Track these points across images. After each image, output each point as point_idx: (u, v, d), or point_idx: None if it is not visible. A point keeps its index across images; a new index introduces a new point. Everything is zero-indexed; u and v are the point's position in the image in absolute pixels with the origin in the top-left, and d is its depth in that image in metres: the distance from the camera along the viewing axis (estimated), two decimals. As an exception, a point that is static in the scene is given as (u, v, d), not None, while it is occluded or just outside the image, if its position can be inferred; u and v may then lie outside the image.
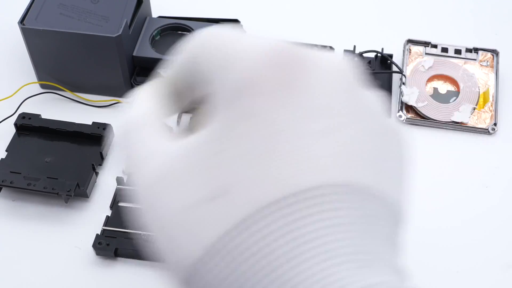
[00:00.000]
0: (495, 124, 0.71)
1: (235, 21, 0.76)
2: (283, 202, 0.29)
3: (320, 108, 0.31)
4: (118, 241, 0.61)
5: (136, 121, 0.35)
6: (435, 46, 0.77)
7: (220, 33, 0.35)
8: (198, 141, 0.32)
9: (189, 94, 0.36)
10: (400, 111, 0.72)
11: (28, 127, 0.69)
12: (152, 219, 0.32)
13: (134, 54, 0.72)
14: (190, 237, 0.30)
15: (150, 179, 0.32)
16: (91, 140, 0.68)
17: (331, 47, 0.78)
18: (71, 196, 0.62)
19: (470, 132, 0.71)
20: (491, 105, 0.72)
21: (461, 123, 0.71)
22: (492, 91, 0.73)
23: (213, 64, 0.33)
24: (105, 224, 0.62)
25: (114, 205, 0.64)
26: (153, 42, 0.74)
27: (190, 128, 0.38)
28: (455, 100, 0.73)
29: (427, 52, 0.77)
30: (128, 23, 0.69)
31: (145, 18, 0.75)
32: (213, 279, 0.30)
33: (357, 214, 0.30)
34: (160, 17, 0.77)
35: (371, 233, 0.30)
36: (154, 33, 0.74)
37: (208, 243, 0.30)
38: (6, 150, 0.68)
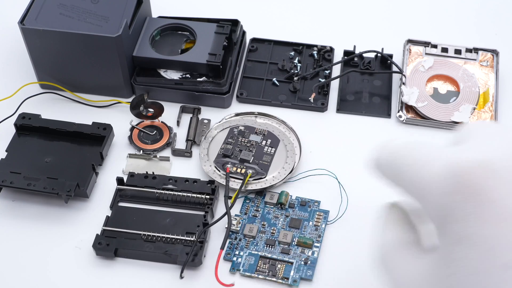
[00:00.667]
0: (495, 124, 0.71)
1: (235, 21, 0.76)
2: None
3: None
4: (118, 241, 0.61)
5: (391, 245, 0.44)
6: (435, 46, 0.77)
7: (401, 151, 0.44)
8: (431, 265, 0.39)
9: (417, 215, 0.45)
10: (400, 111, 0.72)
11: (28, 127, 0.69)
12: None
13: (134, 54, 0.72)
14: None
15: None
16: (91, 140, 0.68)
17: (331, 47, 0.78)
18: (71, 196, 0.62)
19: (470, 132, 0.71)
20: (491, 105, 0.72)
21: (461, 123, 0.71)
22: (492, 91, 0.73)
23: (410, 185, 0.42)
24: (105, 224, 0.62)
25: (114, 205, 0.64)
26: (153, 42, 0.74)
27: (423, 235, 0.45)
28: (455, 100, 0.73)
29: (427, 52, 0.77)
30: (128, 23, 0.69)
31: (145, 18, 0.75)
32: None
33: None
34: (160, 17, 0.77)
35: None
36: (154, 33, 0.74)
37: None
38: (6, 150, 0.68)
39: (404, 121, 0.71)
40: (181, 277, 0.59)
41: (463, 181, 0.38)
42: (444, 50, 0.77)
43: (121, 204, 0.65)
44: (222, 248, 0.59)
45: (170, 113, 0.72)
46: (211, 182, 0.65)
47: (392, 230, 0.46)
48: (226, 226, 0.61)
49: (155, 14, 0.78)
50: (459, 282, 0.37)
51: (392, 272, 0.43)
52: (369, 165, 0.51)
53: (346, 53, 0.77)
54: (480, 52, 0.76)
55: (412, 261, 0.42)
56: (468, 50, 0.76)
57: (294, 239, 0.62)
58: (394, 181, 0.46)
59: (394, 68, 0.76)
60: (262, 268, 0.60)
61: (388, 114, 0.73)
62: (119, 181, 0.65)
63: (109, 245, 0.60)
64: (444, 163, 0.40)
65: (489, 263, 0.37)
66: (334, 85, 0.75)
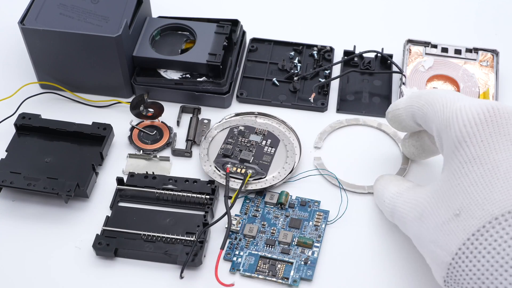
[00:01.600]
0: (495, 124, 0.71)
1: (235, 21, 0.76)
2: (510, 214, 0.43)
3: None
4: (118, 241, 0.61)
5: (397, 193, 0.57)
6: (435, 46, 0.77)
7: (441, 95, 0.52)
8: (440, 185, 0.49)
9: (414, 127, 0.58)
10: (400, 111, 0.72)
11: (28, 127, 0.69)
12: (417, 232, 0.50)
13: (134, 54, 0.72)
14: (447, 240, 0.47)
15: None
16: (91, 140, 0.68)
17: (331, 47, 0.78)
18: (71, 196, 0.62)
19: (470, 132, 0.71)
20: (491, 105, 0.72)
21: (461, 123, 0.71)
22: (492, 91, 0.73)
23: (437, 117, 0.51)
24: (105, 224, 0.62)
25: (114, 205, 0.64)
26: (153, 42, 0.74)
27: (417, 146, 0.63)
28: (455, 100, 0.73)
29: (427, 52, 0.77)
30: (128, 23, 0.69)
31: (145, 18, 0.75)
32: (472, 266, 0.45)
33: None
34: (160, 17, 0.77)
35: None
36: (154, 33, 0.74)
37: (460, 243, 0.46)
38: (6, 150, 0.68)
39: (404, 121, 0.71)
40: (181, 277, 0.59)
41: (492, 112, 0.47)
42: (444, 50, 0.77)
43: (121, 204, 0.65)
44: (222, 248, 0.59)
45: (170, 113, 0.72)
46: (211, 182, 0.65)
47: (392, 185, 0.58)
48: (226, 226, 0.61)
49: (155, 14, 0.78)
50: (461, 190, 0.47)
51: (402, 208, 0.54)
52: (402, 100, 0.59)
53: (346, 53, 0.77)
54: (480, 52, 0.76)
55: (418, 191, 0.53)
56: (468, 50, 0.76)
57: (294, 239, 0.62)
58: (421, 109, 0.54)
59: (394, 68, 0.76)
60: (262, 268, 0.60)
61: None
62: (119, 181, 0.65)
63: (109, 245, 0.60)
64: (476, 101, 0.49)
65: (492, 177, 0.46)
66: (334, 85, 0.75)
